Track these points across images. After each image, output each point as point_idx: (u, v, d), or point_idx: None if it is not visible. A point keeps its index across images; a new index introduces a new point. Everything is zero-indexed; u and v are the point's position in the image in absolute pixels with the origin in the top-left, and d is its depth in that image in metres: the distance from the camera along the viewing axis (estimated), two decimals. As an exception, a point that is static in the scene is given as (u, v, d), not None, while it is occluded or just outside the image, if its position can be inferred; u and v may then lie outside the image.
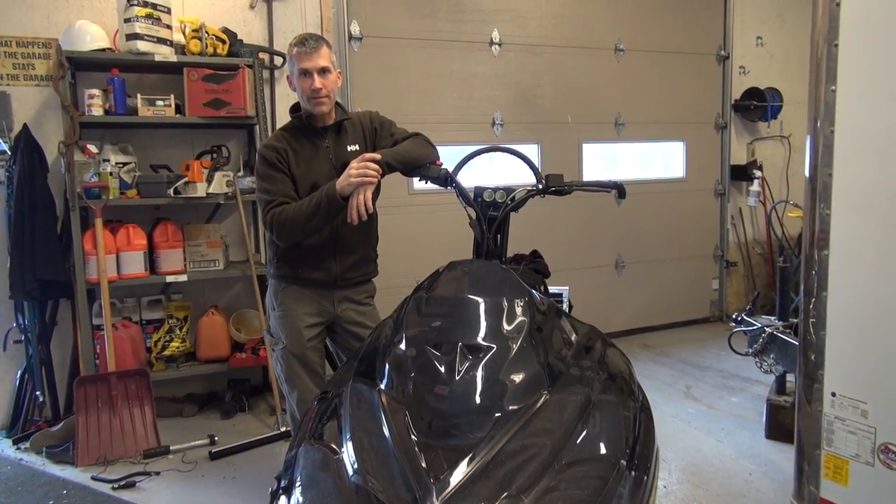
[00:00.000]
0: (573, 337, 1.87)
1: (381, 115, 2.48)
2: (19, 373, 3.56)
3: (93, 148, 3.38)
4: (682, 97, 5.29)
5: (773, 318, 3.43)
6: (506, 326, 1.68)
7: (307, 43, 2.25)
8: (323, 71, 2.26)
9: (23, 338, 3.50)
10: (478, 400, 1.54)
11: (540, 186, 2.17)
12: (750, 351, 3.38)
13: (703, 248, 5.57)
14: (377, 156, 2.16)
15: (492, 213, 2.15)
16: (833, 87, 1.69)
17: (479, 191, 2.18)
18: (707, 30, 5.35)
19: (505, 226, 2.18)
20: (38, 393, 3.50)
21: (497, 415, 1.51)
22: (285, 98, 4.00)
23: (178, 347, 3.67)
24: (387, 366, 1.70)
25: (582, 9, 4.85)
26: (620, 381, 1.85)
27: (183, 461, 3.21)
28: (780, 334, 3.20)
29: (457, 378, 1.56)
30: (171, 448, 3.28)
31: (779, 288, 3.41)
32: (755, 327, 3.37)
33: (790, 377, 3.27)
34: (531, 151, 4.89)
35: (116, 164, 3.50)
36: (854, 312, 1.72)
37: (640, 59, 5.08)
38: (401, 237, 4.27)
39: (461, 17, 4.48)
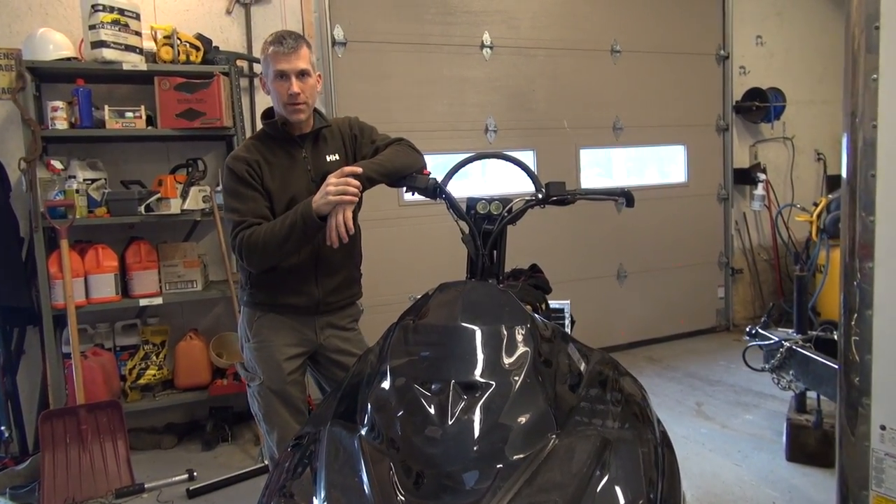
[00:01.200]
0: (582, 366, 1.64)
1: (360, 120, 2.25)
2: (-17, 407, 3.32)
3: (57, 164, 3.16)
4: (682, 99, 5.09)
5: (789, 330, 3.20)
6: (506, 359, 1.46)
7: (285, 42, 2.01)
8: (302, 74, 2.02)
9: (-14, 369, 3.26)
10: (475, 448, 1.31)
11: (540, 196, 1.94)
12: (767, 367, 3.15)
13: (708, 256, 5.36)
14: (357, 169, 1.92)
15: (486, 226, 1.92)
16: (875, 76, 1.48)
17: (471, 202, 1.95)
18: (706, 29, 5.16)
19: (501, 241, 1.95)
20: (2, 428, 3.26)
21: (499, 466, 1.28)
22: (265, 105, 3.78)
23: (154, 375, 3.43)
24: (369, 406, 1.47)
25: (576, 9, 4.66)
26: (637, 415, 1.62)
27: (158, 500, 2.96)
28: (799, 349, 2.97)
29: (450, 422, 1.33)
30: (146, 486, 3.03)
31: (796, 297, 3.19)
32: (772, 341, 3.15)
33: (811, 394, 3.05)
34: (527, 158, 4.68)
35: (85, 180, 3.27)
36: (905, 333, 1.50)
37: (637, 60, 4.88)
38: (391, 252, 4.05)
39: (450, 20, 4.28)
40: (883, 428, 1.55)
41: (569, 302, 3.43)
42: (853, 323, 1.59)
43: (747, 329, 3.34)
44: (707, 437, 3.38)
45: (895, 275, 1.50)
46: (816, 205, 4.07)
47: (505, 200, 1.94)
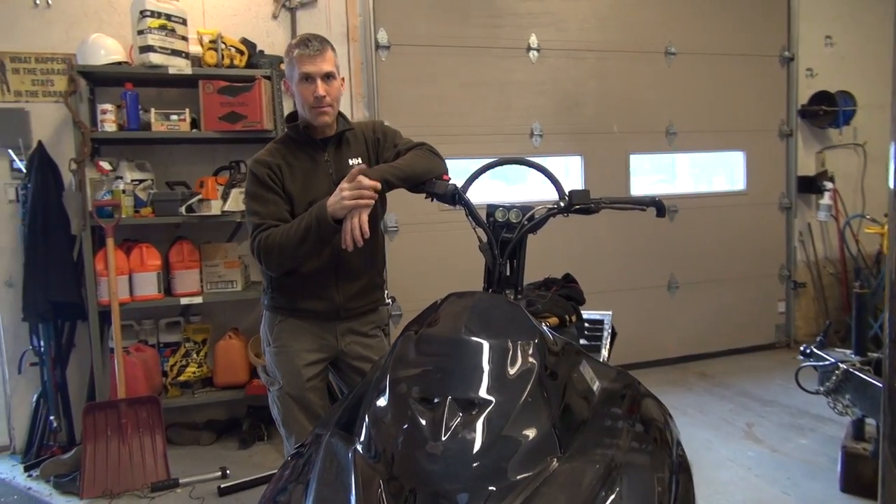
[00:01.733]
0: (595, 385, 1.55)
1: (385, 124, 2.22)
2: (36, 396, 3.46)
3: (106, 165, 3.27)
4: (742, 103, 4.85)
5: (848, 351, 2.98)
6: (509, 375, 1.39)
7: (310, 44, 2.01)
8: (327, 77, 2.02)
9: (38, 360, 3.40)
10: (468, 467, 1.25)
11: (562, 204, 1.85)
12: (821, 389, 2.94)
13: (768, 268, 5.09)
14: (375, 184, 1.89)
15: (505, 234, 1.85)
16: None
17: (491, 209, 1.89)
18: (769, 29, 4.91)
19: (521, 250, 1.87)
20: (52, 418, 3.39)
21: (491, 488, 1.22)
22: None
23: (194, 372, 3.50)
24: (366, 419, 1.43)
25: (628, 10, 4.51)
26: (654, 438, 1.52)
27: (191, 496, 3.01)
28: (857, 372, 2.76)
29: (443, 439, 1.27)
30: (181, 481, 3.10)
31: (855, 316, 2.97)
32: (827, 362, 2.93)
33: (870, 420, 2.83)
34: (574, 164, 4.57)
35: (133, 181, 3.37)
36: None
37: (693, 62, 4.69)
38: (429, 258, 4.01)
39: (495, 23, 4.21)
40: (930, 468, 1.39)
41: (610, 313, 3.30)
42: (898, 350, 1.45)
43: (801, 348, 3.13)
44: (755, 461, 3.18)
45: (946, 298, 1.35)
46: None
47: (525, 208, 1.86)
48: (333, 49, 2.08)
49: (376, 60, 3.98)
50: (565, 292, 2.57)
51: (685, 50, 4.67)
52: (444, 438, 1.27)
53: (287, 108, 3.78)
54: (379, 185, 1.89)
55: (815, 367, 3.01)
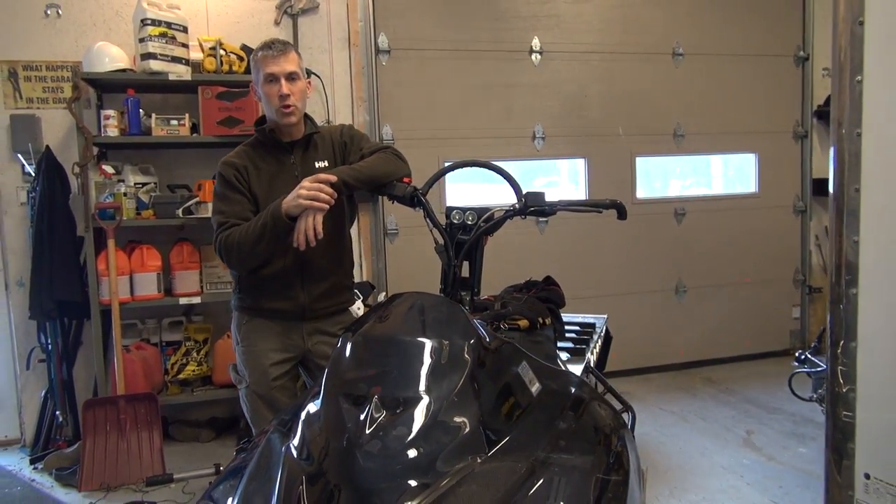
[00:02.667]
0: (535, 387, 1.55)
1: (353, 128, 2.27)
2: (44, 392, 3.59)
3: (109, 169, 3.38)
4: (753, 104, 4.76)
5: (843, 358, 2.90)
6: (439, 374, 1.40)
7: (274, 46, 2.08)
8: (291, 76, 2.08)
9: (45, 358, 3.52)
10: (389, 465, 1.26)
11: (517, 206, 1.86)
12: (815, 396, 2.88)
13: (781, 272, 4.97)
14: (332, 177, 1.93)
15: (461, 236, 1.86)
16: (859, 78, 1.31)
17: (447, 211, 1.90)
18: (782, 28, 4.80)
19: (477, 251, 1.88)
20: (58, 413, 3.51)
21: (407, 486, 1.23)
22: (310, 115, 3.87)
23: (193, 371, 3.58)
24: (300, 417, 1.46)
25: (634, 11, 4.47)
26: (590, 441, 1.51)
27: (183, 491, 3.08)
28: (847, 379, 2.68)
29: (366, 437, 1.29)
30: (175, 476, 3.17)
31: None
32: (821, 369, 2.87)
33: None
34: (577, 167, 4.54)
35: (135, 184, 3.48)
36: (891, 369, 1.32)
37: (702, 63, 4.62)
38: (429, 259, 4.01)
39: (497, 26, 4.22)
40: (867, 477, 1.37)
41: (605, 316, 3.29)
42: (839, 352, 1.42)
43: (796, 354, 3.07)
44: (748, 469, 3.12)
45: (880, 302, 1.32)
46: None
47: (481, 210, 1.87)
48: (298, 53, 2.13)
49: (377, 65, 4.03)
50: (544, 295, 2.56)
51: (694, 51, 4.60)
52: (367, 436, 1.29)
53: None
54: (334, 178, 1.93)
55: (808, 373, 2.94)
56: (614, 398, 2.64)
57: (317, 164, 2.14)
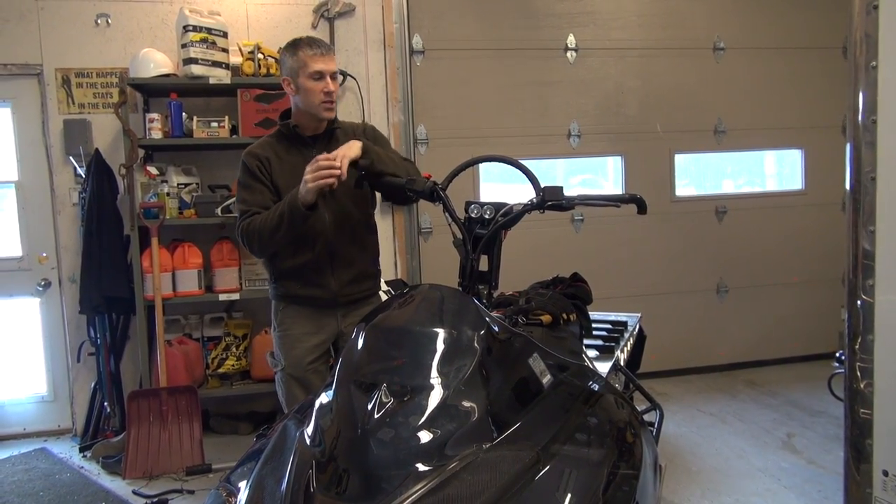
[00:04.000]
0: (546, 378, 1.55)
1: (377, 129, 2.41)
2: (93, 384, 3.76)
3: (153, 170, 3.51)
4: (799, 99, 4.62)
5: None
6: (448, 363, 1.42)
7: (321, 45, 2.25)
8: (334, 76, 2.25)
9: (94, 351, 3.69)
10: (396, 451, 1.30)
11: (535, 201, 1.86)
12: (856, 398, 2.77)
13: (829, 272, 4.78)
14: (357, 142, 2.08)
15: (479, 230, 1.88)
16: (874, 63, 1.28)
17: (466, 206, 1.93)
18: (829, 20, 4.63)
19: (495, 245, 1.90)
20: (105, 404, 3.67)
21: (412, 471, 1.26)
22: (346, 116, 3.95)
23: (232, 365, 3.69)
24: (315, 405, 1.51)
25: (672, 5, 4.40)
26: (600, 435, 1.50)
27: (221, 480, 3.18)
28: (889, 380, 2.58)
29: (374, 423, 1.33)
30: (213, 466, 3.28)
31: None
32: (862, 369, 2.76)
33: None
34: (613, 164, 4.50)
35: (178, 184, 3.61)
36: (911, 364, 1.28)
37: (744, 57, 4.51)
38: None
39: (531, 24, 4.21)
40: (885, 474, 1.33)
41: (639, 315, 3.26)
42: (857, 348, 1.39)
43: (837, 354, 2.96)
44: (787, 473, 3.04)
45: (898, 294, 1.28)
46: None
47: (499, 205, 1.89)
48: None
49: (412, 65, 4.08)
50: (570, 291, 2.55)
51: (735, 45, 4.50)
52: (376, 422, 1.33)
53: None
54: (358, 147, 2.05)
55: (849, 374, 2.84)
56: (643, 396, 2.62)
57: None
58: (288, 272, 2.26)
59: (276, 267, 2.29)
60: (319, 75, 2.19)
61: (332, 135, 2.29)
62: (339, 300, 2.28)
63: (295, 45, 2.25)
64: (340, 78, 2.31)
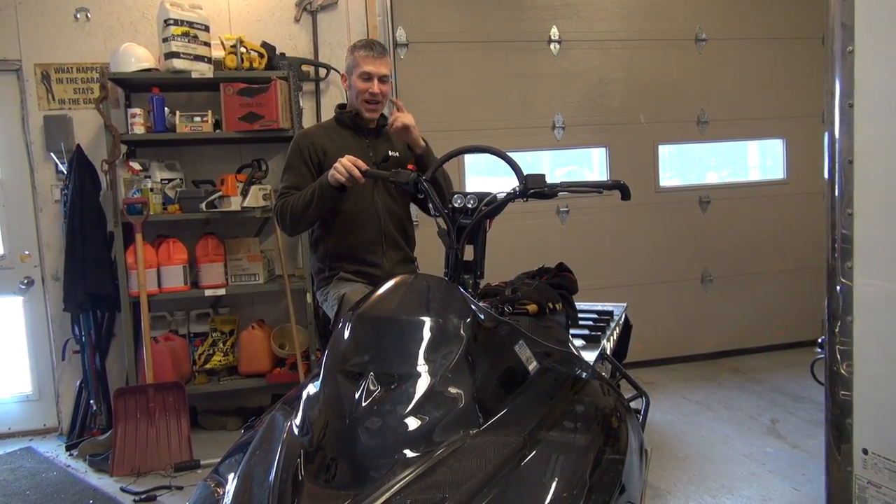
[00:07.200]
0: (532, 365, 1.57)
1: (428, 143, 2.59)
2: (78, 382, 3.73)
3: (136, 165, 3.49)
4: (780, 89, 4.66)
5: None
6: (434, 351, 1.43)
7: (375, 47, 2.43)
8: (383, 78, 2.42)
9: (79, 349, 3.66)
10: (383, 439, 1.31)
11: (517, 189, 1.87)
12: (837, 382, 2.82)
13: (812, 260, 4.84)
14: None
15: (463, 220, 1.89)
16: (850, 48, 1.30)
17: (451, 197, 1.93)
18: (810, 10, 4.68)
19: (479, 235, 1.91)
20: (91, 402, 3.64)
21: (399, 457, 1.27)
22: (332, 111, 3.93)
23: (219, 361, 3.68)
24: (302, 395, 1.51)
25: (654, -3, 4.42)
26: (586, 420, 1.52)
27: (210, 477, 3.17)
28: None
29: (361, 412, 1.34)
30: (202, 462, 3.27)
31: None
32: (844, 354, 2.80)
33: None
34: (598, 156, 4.52)
35: (162, 180, 3.58)
36: (889, 345, 1.30)
37: (725, 48, 4.55)
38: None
39: (515, 16, 4.22)
40: (865, 452, 1.35)
41: (624, 305, 3.28)
42: (836, 331, 1.41)
43: (820, 340, 3.00)
44: (771, 457, 3.08)
45: (877, 276, 1.31)
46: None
47: (482, 195, 1.90)
48: (391, 57, 2.47)
49: (396, 59, 4.06)
50: (556, 281, 2.56)
51: (717, 36, 4.54)
52: (363, 411, 1.33)
53: (308, 108, 3.95)
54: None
55: (831, 359, 2.88)
56: (629, 384, 2.65)
57: (390, 152, 2.46)
58: (343, 252, 2.42)
59: (329, 248, 2.44)
60: (368, 76, 2.39)
61: (380, 131, 2.53)
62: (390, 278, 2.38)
63: (354, 45, 2.47)
64: (390, 81, 2.48)
